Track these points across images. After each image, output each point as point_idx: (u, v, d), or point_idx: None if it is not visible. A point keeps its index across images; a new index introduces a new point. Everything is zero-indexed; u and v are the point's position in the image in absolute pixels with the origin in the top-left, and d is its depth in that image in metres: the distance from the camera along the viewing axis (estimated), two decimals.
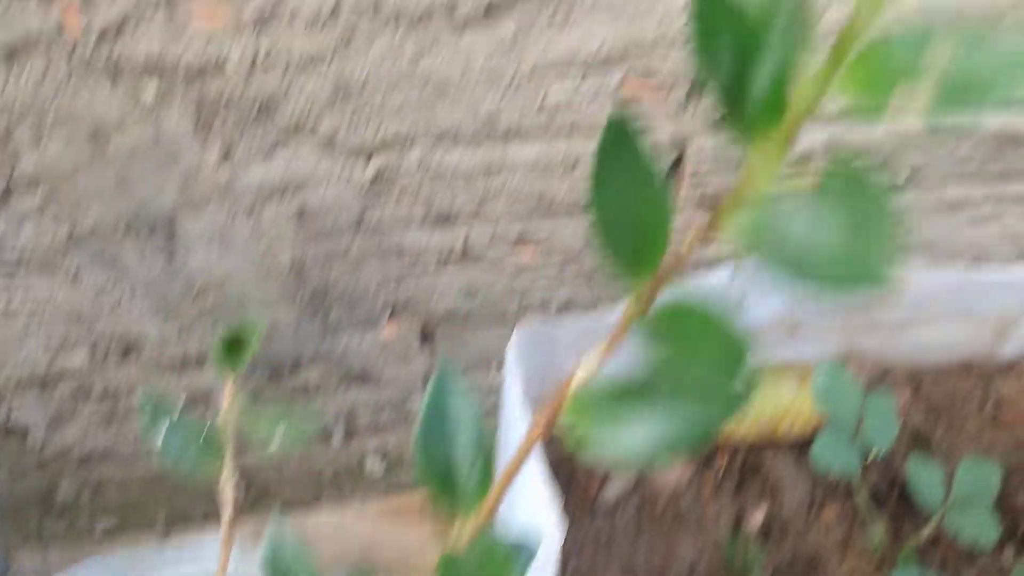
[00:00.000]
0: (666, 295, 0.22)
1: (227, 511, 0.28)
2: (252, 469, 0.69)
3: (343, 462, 0.68)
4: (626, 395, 0.21)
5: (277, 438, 0.27)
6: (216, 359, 0.29)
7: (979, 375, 0.50)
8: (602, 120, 0.48)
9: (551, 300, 0.58)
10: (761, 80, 0.19)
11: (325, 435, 0.66)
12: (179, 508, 0.71)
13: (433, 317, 0.59)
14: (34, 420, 0.63)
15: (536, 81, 0.46)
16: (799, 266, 0.19)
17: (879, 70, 0.18)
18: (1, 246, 0.51)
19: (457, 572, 0.18)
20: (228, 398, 0.28)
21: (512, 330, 0.61)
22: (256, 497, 0.70)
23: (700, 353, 0.20)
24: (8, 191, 0.49)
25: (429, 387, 0.24)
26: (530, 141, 0.49)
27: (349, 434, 0.66)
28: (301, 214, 0.51)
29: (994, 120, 0.51)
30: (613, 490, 0.46)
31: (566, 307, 0.58)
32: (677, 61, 0.45)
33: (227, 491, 0.27)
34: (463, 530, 0.20)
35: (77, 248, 0.52)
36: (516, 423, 0.37)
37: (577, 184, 0.51)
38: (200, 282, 0.54)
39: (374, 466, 0.68)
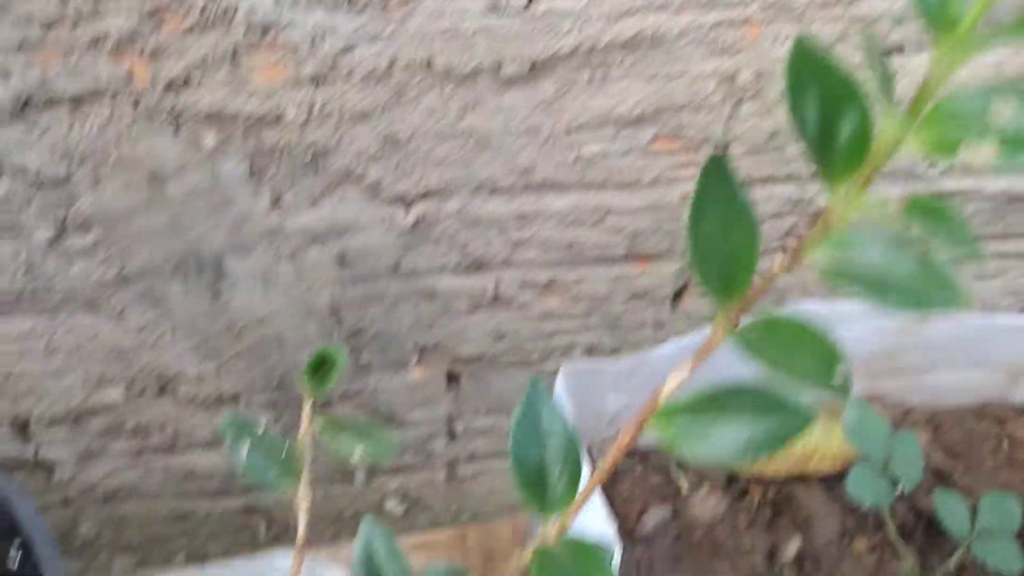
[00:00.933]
0: (756, 312, 0.24)
1: (302, 524, 0.29)
2: (271, 508, 0.70)
3: (364, 502, 0.69)
4: (711, 405, 0.23)
5: (357, 454, 0.29)
6: (303, 378, 0.31)
7: (994, 417, 0.53)
8: (632, 174, 0.51)
9: (575, 345, 0.61)
10: (845, 131, 0.22)
11: (347, 474, 0.67)
12: (199, 546, 0.72)
13: (460, 360, 0.61)
14: (63, 455, 0.64)
15: (572, 137, 0.49)
16: (878, 290, 0.21)
17: (949, 124, 0.20)
18: (49, 286, 0.53)
19: (551, 564, 0.20)
20: (307, 417, 0.30)
21: (533, 373, 0.63)
22: (276, 535, 0.71)
23: (797, 356, 0.22)
24: (62, 231, 0.51)
25: (522, 397, 0.26)
26: (563, 193, 0.52)
27: (371, 474, 0.67)
28: (342, 258, 0.54)
29: (995, 182, 0.54)
30: (651, 520, 0.48)
31: (589, 352, 0.61)
32: (704, 123, 0.49)
33: (303, 505, 0.29)
34: (551, 529, 0.22)
35: (125, 286, 0.54)
36: None
37: (606, 234, 0.54)
38: (241, 321, 0.56)
39: (394, 507, 0.69)
